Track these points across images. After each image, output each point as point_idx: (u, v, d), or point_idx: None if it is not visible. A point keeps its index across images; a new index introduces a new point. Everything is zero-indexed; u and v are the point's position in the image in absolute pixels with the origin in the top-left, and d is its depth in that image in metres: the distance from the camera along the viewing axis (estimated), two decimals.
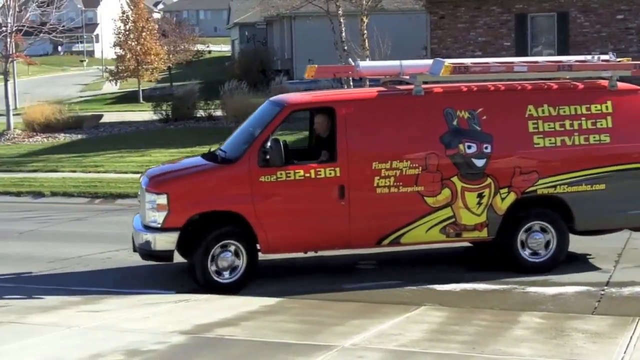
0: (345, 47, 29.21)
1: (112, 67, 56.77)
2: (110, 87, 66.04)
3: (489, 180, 11.87)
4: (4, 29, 35.34)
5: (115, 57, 57.07)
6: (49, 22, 40.98)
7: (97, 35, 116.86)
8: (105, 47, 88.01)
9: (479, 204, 11.86)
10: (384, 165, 11.72)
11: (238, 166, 11.63)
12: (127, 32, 52.93)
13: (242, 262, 11.59)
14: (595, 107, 12.18)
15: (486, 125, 11.95)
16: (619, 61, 12.70)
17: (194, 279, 11.50)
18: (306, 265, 12.87)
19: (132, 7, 54.34)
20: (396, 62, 12.96)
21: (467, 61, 12.49)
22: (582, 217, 12.09)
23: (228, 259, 11.52)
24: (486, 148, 11.90)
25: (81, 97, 60.94)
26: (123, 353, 8.24)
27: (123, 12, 54.20)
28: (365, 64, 13.38)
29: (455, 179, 11.83)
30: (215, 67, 70.66)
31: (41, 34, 39.44)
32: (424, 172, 11.78)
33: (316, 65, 13.09)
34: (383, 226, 11.83)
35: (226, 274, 11.54)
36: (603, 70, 12.46)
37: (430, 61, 12.72)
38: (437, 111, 11.97)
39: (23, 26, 37.50)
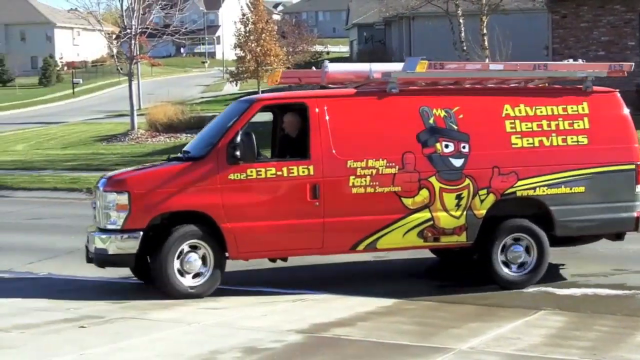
0: (465, 47, 28.92)
1: (233, 69, 57.73)
2: (231, 88, 67.08)
3: (467, 181, 11.36)
4: (128, 31, 36.34)
5: (235, 58, 58.00)
6: (172, 24, 41.93)
7: (218, 37, 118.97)
8: (226, 48, 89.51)
9: (458, 205, 11.30)
10: (360, 164, 11.13)
11: (205, 163, 10.96)
12: (247, 34, 53.67)
13: (209, 266, 10.92)
14: (572, 108, 11.78)
15: (463, 124, 11.49)
16: None
17: (157, 285, 10.85)
18: (417, 266, 12.80)
19: (252, 9, 55.08)
20: (365, 65, 12.35)
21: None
22: (561, 222, 11.52)
23: (195, 261, 10.84)
24: (464, 147, 11.42)
25: (202, 98, 62.12)
26: (241, 350, 8.36)
27: (243, 14, 54.99)
28: (335, 66, 12.35)
29: (433, 179, 11.28)
30: None
31: (164, 36, 40.39)
32: (401, 171, 11.23)
33: (281, 70, 13.11)
34: (358, 229, 11.18)
35: (189, 277, 10.88)
36: (578, 71, 12.00)
37: (397, 65, 12.49)
38: (412, 109, 11.48)
39: (147, 28, 38.49)
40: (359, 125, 11.38)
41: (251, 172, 10.90)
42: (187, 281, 10.83)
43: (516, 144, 11.53)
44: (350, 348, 8.65)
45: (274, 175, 10.97)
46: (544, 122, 11.63)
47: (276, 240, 11.05)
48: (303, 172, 11.02)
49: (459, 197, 11.31)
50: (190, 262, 10.80)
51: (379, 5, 57.97)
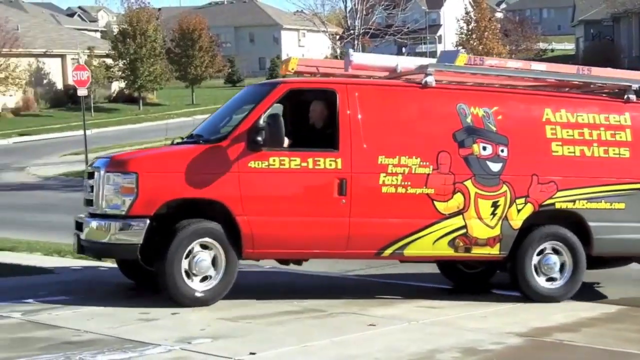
0: None
1: None
2: None
3: (504, 187, 10.52)
4: (352, 31, 36.90)
5: None
6: (395, 24, 42.21)
7: (439, 36, 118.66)
8: (448, 47, 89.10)
9: (493, 214, 10.46)
10: (392, 160, 10.21)
11: (223, 147, 9.87)
12: (469, 33, 53.26)
13: (219, 266, 9.91)
14: (614, 117, 10.98)
15: (501, 126, 10.67)
16: None
17: (161, 286, 9.87)
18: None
19: (474, 7, 54.58)
20: (392, 58, 11.66)
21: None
22: (598, 239, 10.69)
23: (205, 262, 9.83)
24: (502, 151, 10.60)
25: None
26: (459, 350, 8.30)
27: (466, 13, 54.59)
28: (361, 56, 11.52)
29: (468, 184, 10.42)
30: None
31: (387, 36, 40.71)
32: (435, 172, 10.34)
33: (298, 58, 11.40)
34: (386, 233, 10.24)
35: (197, 280, 9.87)
36: (622, 80, 11.25)
37: (429, 60, 11.76)
38: (449, 106, 10.61)
39: (370, 29, 38.91)
40: (392, 117, 10.47)
41: (274, 161, 9.90)
42: (195, 285, 9.82)
43: (556, 151, 10.78)
44: (572, 354, 8.40)
45: (299, 167, 9.97)
46: (586, 131, 10.87)
47: (297, 239, 10.04)
48: (330, 165, 10.05)
49: (494, 205, 10.48)
50: (199, 263, 9.78)
51: (606, 1, 55.92)
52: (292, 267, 11.09)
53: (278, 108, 10.38)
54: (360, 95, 10.30)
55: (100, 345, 8.06)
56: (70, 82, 47.59)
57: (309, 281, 12.10)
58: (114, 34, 74.21)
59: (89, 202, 10.19)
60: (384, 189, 10.15)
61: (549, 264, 10.63)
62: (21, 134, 50.68)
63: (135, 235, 9.59)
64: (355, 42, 36.67)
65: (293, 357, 8.02)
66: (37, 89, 62.97)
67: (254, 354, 7.84)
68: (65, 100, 62.92)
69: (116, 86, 69.12)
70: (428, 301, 10.64)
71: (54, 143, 45.97)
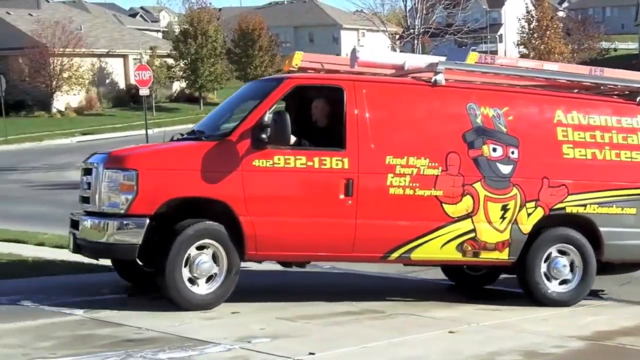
0: None
1: None
2: None
3: (514, 190, 10.26)
4: (411, 31, 36.77)
5: (518, 56, 57.16)
6: (455, 23, 41.95)
7: (500, 36, 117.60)
8: (509, 47, 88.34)
9: (503, 218, 10.20)
10: (399, 160, 9.91)
11: (226, 145, 9.51)
12: (531, 32, 52.74)
13: (221, 267, 9.54)
14: (626, 120, 10.76)
15: (512, 127, 10.40)
16: None
17: (162, 292, 9.51)
18: None
19: (536, 6, 54.03)
20: (400, 55, 11.33)
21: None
22: (609, 245, 10.48)
23: (206, 264, 9.45)
24: (512, 153, 10.34)
25: None
26: (520, 353, 8.21)
27: (527, 12, 54.07)
28: (367, 53, 10.94)
29: (478, 186, 10.16)
30: (620, 66, 67.91)
31: (447, 36, 40.48)
32: (444, 173, 10.06)
33: (302, 53, 10.94)
34: (393, 236, 9.95)
35: (201, 282, 9.50)
36: (634, 82, 11.01)
37: (434, 57, 11.38)
38: (459, 105, 10.31)
39: (430, 28, 38.73)
40: (401, 116, 10.17)
41: (278, 159, 9.53)
42: (197, 288, 9.47)
43: (567, 154, 10.54)
44: (635, 358, 8.27)
45: (304, 166, 9.62)
46: (597, 133, 10.64)
47: (301, 240, 9.71)
48: (337, 164, 9.71)
49: (504, 209, 10.22)
50: (200, 266, 9.41)
51: None
52: (349, 267, 11.06)
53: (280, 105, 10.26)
54: (368, 93, 9.99)
55: (161, 343, 8.10)
56: (132, 81, 48.21)
57: (367, 282, 12.08)
58: (176, 34, 74.95)
59: (85, 200, 9.82)
60: (392, 190, 9.87)
61: (557, 267, 10.42)
62: (84, 133, 51.42)
63: (134, 235, 9.21)
64: (415, 41, 36.53)
65: (352, 358, 8.02)
66: (100, 88, 63.88)
67: (313, 354, 7.84)
68: (127, 99, 63.77)
69: (177, 86, 69.82)
70: (488, 304, 10.55)
71: (116, 142, 46.47)
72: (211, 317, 9.28)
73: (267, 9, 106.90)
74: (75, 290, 10.64)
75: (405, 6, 38.64)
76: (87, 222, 9.51)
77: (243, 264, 9.81)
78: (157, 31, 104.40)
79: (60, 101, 60.13)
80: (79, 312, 9.40)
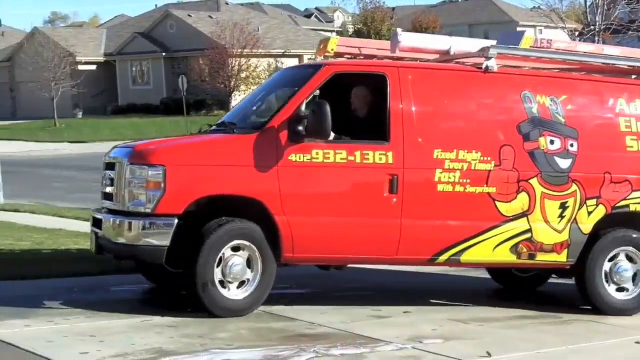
0: None
1: None
2: None
3: (574, 187, 9.45)
4: (592, 27, 35.66)
5: None
6: (638, 19, 40.41)
7: None
8: None
9: (562, 217, 9.39)
10: (449, 155, 9.10)
11: (260, 138, 8.74)
12: None
13: (256, 271, 8.79)
14: None
15: (570, 117, 9.56)
16: None
17: (193, 297, 8.77)
18: None
19: None
20: (445, 39, 10.20)
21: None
22: None
23: (239, 266, 8.71)
24: (571, 145, 9.50)
25: None
26: None
27: None
28: (409, 36, 9.98)
29: (534, 182, 9.34)
30: None
31: (630, 32, 39.07)
32: (498, 168, 9.23)
33: (338, 37, 10.07)
34: (442, 237, 9.17)
35: (232, 287, 8.77)
36: None
37: (481, 41, 10.36)
38: (513, 93, 9.49)
39: (611, 24, 37.47)
40: (450, 106, 9.41)
41: (317, 154, 8.77)
42: (229, 293, 8.72)
43: (631, 147, 9.72)
44: None
45: (345, 161, 8.86)
46: None
47: (341, 242, 8.97)
48: (380, 159, 8.93)
49: (563, 207, 9.43)
50: (233, 269, 8.69)
51: None
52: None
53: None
54: (414, 80, 9.21)
55: (334, 339, 8.10)
56: None
57: (545, 287, 11.73)
58: (350, 34, 75.57)
59: (107, 196, 9.15)
60: (440, 187, 9.09)
61: (620, 272, 9.68)
62: None
63: (162, 237, 8.49)
64: (596, 38, 35.41)
65: None
66: None
67: (489, 355, 7.71)
68: None
69: None
70: None
71: None
72: (383, 315, 9.24)
73: (441, 7, 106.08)
74: None
75: (586, 2, 37.53)
76: (110, 222, 8.80)
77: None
78: (332, 31, 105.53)
79: (238, 100, 61.68)
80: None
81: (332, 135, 8.91)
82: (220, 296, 8.60)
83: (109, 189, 9.07)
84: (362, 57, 10.15)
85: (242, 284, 8.72)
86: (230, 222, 8.65)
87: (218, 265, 8.58)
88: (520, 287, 10.96)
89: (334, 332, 8.44)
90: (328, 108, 8.57)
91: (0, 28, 48.03)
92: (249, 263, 8.71)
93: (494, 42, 9.82)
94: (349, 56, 10.14)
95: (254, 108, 9.77)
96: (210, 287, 8.54)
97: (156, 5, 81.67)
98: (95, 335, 7.86)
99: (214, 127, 9.65)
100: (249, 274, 8.72)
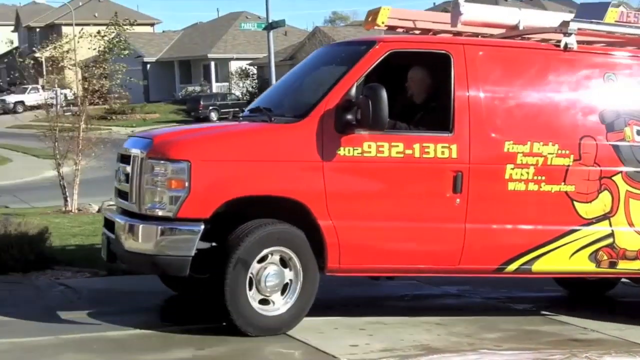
0: None
1: None
2: None
3: None
4: None
5: None
6: None
7: None
8: None
9: None
10: (522, 147, 7.79)
11: (301, 128, 7.37)
12: None
13: (297, 282, 7.43)
14: None
15: None
16: None
17: (223, 310, 7.27)
18: None
19: None
20: (513, 10, 8.78)
21: None
22: None
23: (276, 276, 7.35)
24: None
25: None
26: None
27: None
28: (472, 7, 8.39)
29: (618, 179, 8.06)
30: None
31: None
32: (577, 163, 7.94)
33: (389, 8, 8.37)
34: (512, 243, 7.86)
35: (274, 300, 7.39)
36: None
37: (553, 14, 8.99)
38: (596, 76, 8.17)
39: None
40: (523, 90, 8.04)
41: (369, 147, 7.40)
42: (267, 307, 7.37)
43: None
44: None
45: (401, 155, 7.51)
46: None
47: (396, 250, 7.66)
48: (442, 153, 7.60)
49: None
50: (269, 280, 7.33)
51: None
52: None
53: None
54: (483, 60, 7.91)
55: (607, 345, 7.62)
56: None
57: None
58: None
59: (121, 194, 7.80)
60: (511, 186, 7.82)
61: None
62: None
63: (185, 245, 7.12)
64: None
65: None
66: None
67: None
68: None
69: None
70: None
71: None
72: None
73: None
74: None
75: None
76: (124, 226, 7.44)
77: None
78: None
79: None
80: (520, 307, 9.15)
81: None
82: (252, 311, 7.25)
83: (123, 187, 7.75)
84: (419, 32, 8.78)
85: (283, 291, 7.42)
86: (266, 224, 7.30)
87: (250, 281, 7.26)
88: (589, 293, 9.75)
89: (607, 338, 7.92)
90: (384, 93, 7.23)
91: (284, 28, 49.95)
92: (283, 262, 7.41)
93: (571, 15, 8.60)
94: (402, 30, 8.75)
95: (294, 91, 8.48)
96: (240, 301, 7.17)
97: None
98: (364, 328, 7.76)
99: (246, 113, 8.63)
100: (288, 274, 7.40)
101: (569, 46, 8.11)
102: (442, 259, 7.79)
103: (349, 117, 7.33)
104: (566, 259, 8.01)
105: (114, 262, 8.03)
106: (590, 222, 8.05)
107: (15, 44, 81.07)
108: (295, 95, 8.35)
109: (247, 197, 7.22)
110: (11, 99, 64.77)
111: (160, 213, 7.20)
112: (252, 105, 8.73)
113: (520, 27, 8.64)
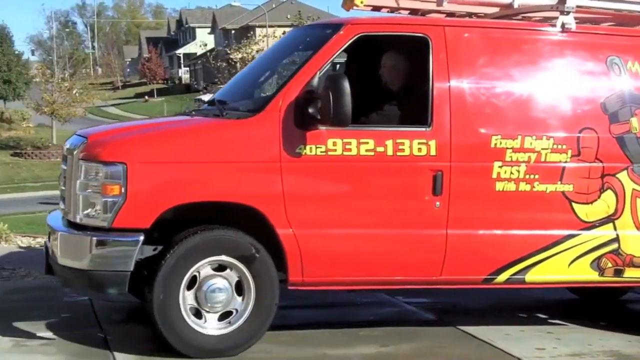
0: None
1: None
2: None
3: None
4: None
5: None
6: None
7: None
8: None
9: None
10: (511, 142, 6.82)
11: (256, 123, 6.42)
12: None
13: (248, 300, 6.48)
14: None
15: None
16: None
17: (158, 330, 6.35)
18: None
19: None
20: None
21: None
22: None
23: (221, 293, 6.41)
24: None
25: None
26: None
27: None
28: None
29: (623, 177, 7.10)
30: None
31: None
32: (575, 159, 6.97)
33: None
34: (501, 251, 6.88)
35: (214, 319, 6.45)
36: None
37: None
38: (597, 60, 7.16)
39: None
40: (513, 77, 7.01)
41: (334, 144, 6.46)
42: (210, 325, 6.46)
43: None
44: None
45: (372, 153, 6.55)
46: None
47: (367, 261, 6.67)
48: (419, 150, 6.62)
49: None
50: (213, 294, 6.41)
51: None
52: None
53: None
54: (466, 44, 6.90)
55: None
56: None
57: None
58: None
59: (63, 199, 6.92)
60: (499, 186, 6.85)
61: None
62: None
63: (122, 259, 6.24)
64: None
65: None
66: None
67: None
68: None
69: None
70: None
71: None
72: None
73: None
74: None
75: None
76: (58, 237, 6.55)
77: None
78: None
79: None
80: None
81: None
82: (189, 330, 6.37)
83: (62, 190, 6.95)
84: (403, 12, 7.74)
85: (226, 314, 6.51)
86: (203, 230, 6.42)
87: (189, 288, 6.40)
88: (601, 298, 8.77)
89: None
90: (346, 84, 6.27)
91: None
92: (237, 291, 6.50)
93: None
94: (387, 10, 7.66)
95: (253, 81, 7.58)
96: (174, 318, 6.32)
97: None
98: (552, 332, 7.61)
99: (203, 107, 7.79)
100: (237, 301, 6.50)
101: (566, 26, 7.15)
102: (421, 270, 6.86)
103: (311, 111, 6.39)
104: (564, 267, 7.11)
105: (52, 275, 6.91)
106: (591, 226, 7.13)
107: (210, 45, 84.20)
108: (253, 87, 7.45)
109: (193, 203, 6.34)
110: (207, 98, 67.33)
111: (94, 222, 6.30)
112: (211, 97, 7.79)
113: (515, 5, 7.38)
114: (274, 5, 74.01)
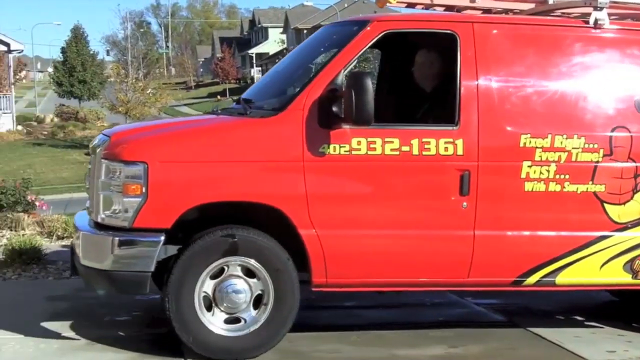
0: None
1: None
2: None
3: None
4: None
5: None
6: None
7: None
8: None
9: None
10: (541, 142, 6.68)
11: (279, 123, 6.33)
12: None
13: (268, 300, 6.38)
14: None
15: None
16: None
17: (174, 329, 6.31)
18: None
19: None
20: None
21: None
22: None
23: (239, 294, 6.33)
24: None
25: None
26: None
27: None
28: None
29: None
30: None
31: None
32: (608, 159, 6.81)
33: None
34: (530, 253, 6.74)
35: (220, 319, 6.38)
36: None
37: None
38: (631, 57, 7.02)
39: None
40: (542, 75, 6.86)
41: (358, 143, 6.36)
42: (221, 325, 6.39)
43: None
44: None
45: (397, 153, 6.43)
46: None
47: (392, 262, 6.55)
48: (446, 149, 6.49)
49: None
50: (230, 294, 6.36)
51: None
52: None
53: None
54: (495, 40, 6.78)
55: None
56: None
57: None
58: None
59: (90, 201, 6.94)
60: (529, 186, 6.72)
61: None
62: None
63: (143, 260, 6.22)
64: None
65: None
66: None
67: None
68: None
69: None
70: None
71: None
72: None
73: None
74: None
75: None
76: (80, 236, 6.59)
77: None
78: None
79: None
80: None
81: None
82: (204, 329, 6.36)
83: (87, 190, 7.07)
84: (442, 10, 7.68)
85: (237, 319, 6.45)
86: (220, 230, 6.37)
87: (207, 282, 6.39)
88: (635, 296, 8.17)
89: None
90: (369, 81, 6.18)
91: None
92: (258, 300, 6.44)
93: None
94: (421, 7, 7.60)
95: (280, 79, 7.46)
96: (187, 315, 6.30)
97: None
98: (623, 335, 7.43)
99: (232, 105, 7.68)
100: (251, 309, 6.44)
101: (599, 22, 7.01)
102: (448, 271, 6.73)
103: (335, 109, 6.31)
104: (596, 269, 6.93)
105: (76, 276, 6.92)
106: (624, 227, 6.95)
107: (281, 45, 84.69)
108: (280, 85, 7.31)
109: (214, 203, 6.31)
110: None
111: (115, 222, 6.29)
112: (239, 98, 7.66)
113: (550, 1, 7.40)
114: (346, 5, 74.06)
